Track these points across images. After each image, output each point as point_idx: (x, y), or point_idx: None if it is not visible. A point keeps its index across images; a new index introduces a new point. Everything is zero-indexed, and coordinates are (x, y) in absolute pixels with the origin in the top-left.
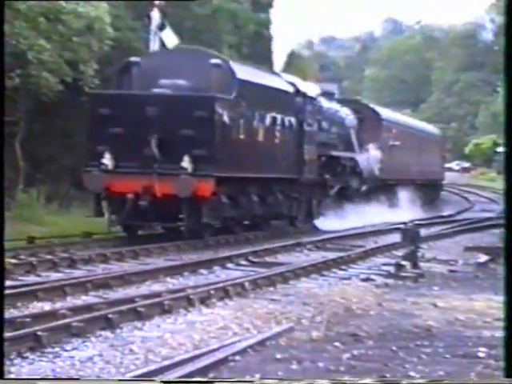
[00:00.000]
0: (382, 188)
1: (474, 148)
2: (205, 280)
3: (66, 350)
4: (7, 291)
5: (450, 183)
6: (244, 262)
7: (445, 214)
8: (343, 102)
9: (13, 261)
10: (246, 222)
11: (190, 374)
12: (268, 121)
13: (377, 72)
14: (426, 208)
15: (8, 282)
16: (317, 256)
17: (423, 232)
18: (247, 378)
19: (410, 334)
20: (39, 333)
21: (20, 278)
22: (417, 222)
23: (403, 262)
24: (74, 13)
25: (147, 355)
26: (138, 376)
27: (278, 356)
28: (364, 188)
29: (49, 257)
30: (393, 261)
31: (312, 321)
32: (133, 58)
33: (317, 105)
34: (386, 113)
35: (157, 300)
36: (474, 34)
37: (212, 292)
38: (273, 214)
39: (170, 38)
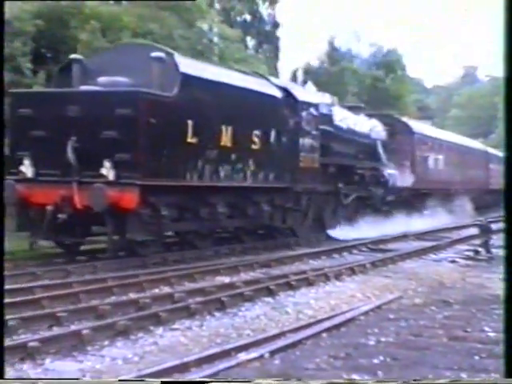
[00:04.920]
0: (416, 197)
1: None
2: (337, 262)
3: (241, 311)
4: (200, 269)
5: None
6: (364, 249)
7: None
8: (376, 116)
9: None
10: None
11: (329, 329)
12: (241, 125)
13: (459, 112)
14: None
15: (200, 263)
16: (417, 244)
17: (494, 226)
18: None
19: (485, 300)
20: (223, 298)
21: None
22: (489, 219)
23: (479, 249)
24: None
25: (298, 315)
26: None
27: (391, 316)
28: (390, 197)
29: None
30: (472, 248)
31: (415, 291)
32: (74, 56)
33: (321, 113)
34: (419, 127)
35: (303, 276)
36: None
37: (343, 270)
38: (256, 225)
39: (312, 89)
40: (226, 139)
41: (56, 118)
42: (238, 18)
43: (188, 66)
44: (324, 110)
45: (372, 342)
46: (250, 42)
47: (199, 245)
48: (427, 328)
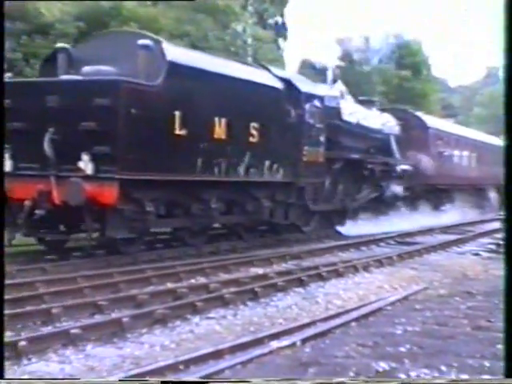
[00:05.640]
0: (432, 192)
1: None
2: (365, 254)
3: (273, 301)
4: (235, 260)
5: None
6: (392, 242)
7: None
8: (389, 110)
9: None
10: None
11: (357, 319)
12: (236, 116)
13: (481, 111)
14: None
15: (234, 255)
16: (442, 238)
17: None
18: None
19: None
20: (256, 289)
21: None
22: None
23: (501, 242)
24: None
25: (327, 305)
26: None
27: (417, 306)
28: (403, 193)
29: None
30: (494, 241)
31: (440, 282)
32: (60, 45)
33: (327, 105)
34: (433, 122)
35: (333, 267)
36: None
37: (371, 262)
38: (257, 221)
39: (341, 88)
40: (219, 131)
41: (34, 109)
42: (271, 21)
43: (176, 54)
44: (331, 103)
45: (399, 331)
46: (282, 43)
47: (190, 242)
48: (451, 318)
